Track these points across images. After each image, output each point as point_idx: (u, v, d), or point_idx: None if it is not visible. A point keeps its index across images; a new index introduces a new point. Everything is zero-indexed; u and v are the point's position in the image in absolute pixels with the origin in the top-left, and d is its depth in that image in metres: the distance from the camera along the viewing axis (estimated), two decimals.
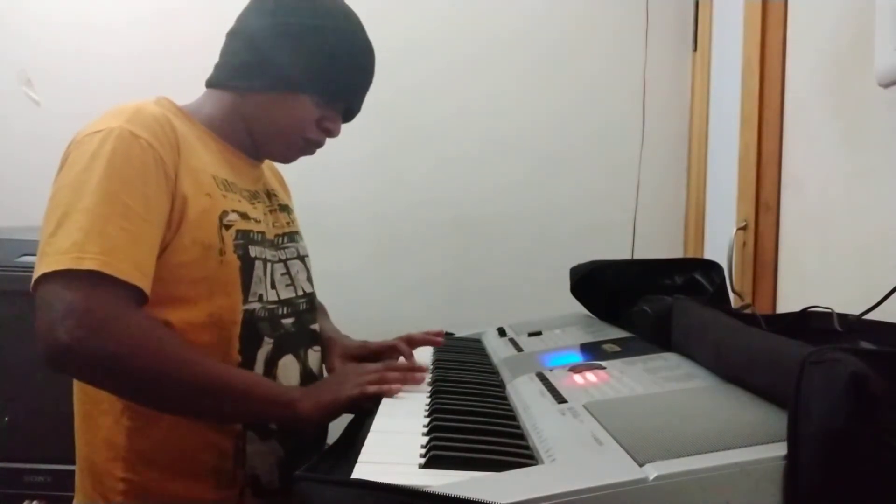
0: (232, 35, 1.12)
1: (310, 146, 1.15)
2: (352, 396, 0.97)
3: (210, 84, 1.13)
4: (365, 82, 1.16)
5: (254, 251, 1.04)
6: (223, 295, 0.99)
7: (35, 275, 0.88)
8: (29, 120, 2.08)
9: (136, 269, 0.89)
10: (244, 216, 1.05)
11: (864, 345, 0.84)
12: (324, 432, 1.17)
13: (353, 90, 1.14)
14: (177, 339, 0.93)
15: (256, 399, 0.96)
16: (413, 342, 1.26)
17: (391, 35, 2.08)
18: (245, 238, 1.03)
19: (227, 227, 1.01)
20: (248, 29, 1.10)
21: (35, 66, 2.10)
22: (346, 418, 0.97)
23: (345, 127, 1.20)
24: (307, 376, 1.12)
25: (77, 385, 1.02)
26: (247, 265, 1.02)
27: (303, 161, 1.20)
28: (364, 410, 0.94)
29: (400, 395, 0.98)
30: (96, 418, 0.99)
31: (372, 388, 0.98)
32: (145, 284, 0.91)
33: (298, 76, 1.07)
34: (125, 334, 0.87)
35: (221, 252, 0.99)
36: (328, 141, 1.18)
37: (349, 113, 1.17)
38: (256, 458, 1.02)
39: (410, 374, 1.03)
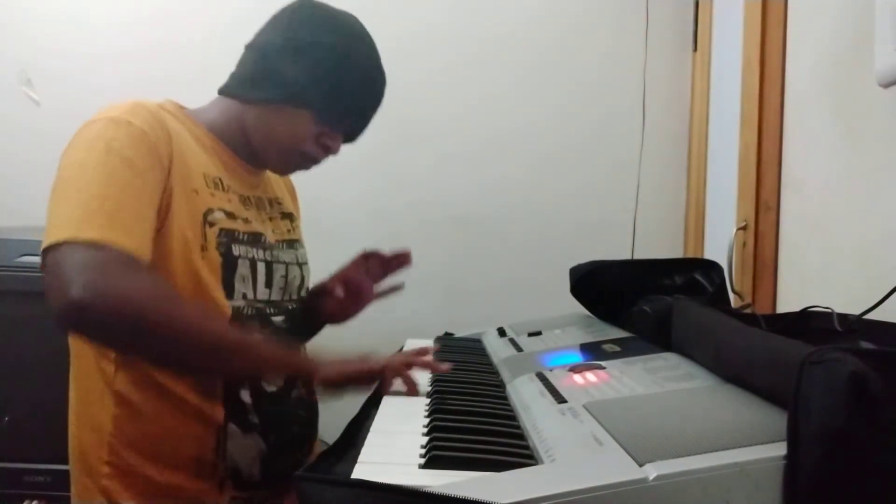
0: (249, 48, 1.13)
1: (306, 161, 1.15)
2: (370, 368, 1.04)
3: (221, 92, 1.14)
4: (372, 107, 1.15)
5: (237, 250, 1.05)
6: (205, 290, 1.01)
7: (42, 247, 0.90)
8: (29, 119, 2.08)
9: (136, 242, 0.91)
10: (230, 215, 1.06)
11: (864, 345, 0.84)
12: (313, 432, 1.18)
13: (357, 112, 1.14)
14: (187, 298, 0.96)
15: (270, 353, 1.01)
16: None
17: (391, 33, 2.07)
18: (229, 237, 1.04)
19: (211, 224, 1.02)
20: (261, 42, 1.11)
21: (35, 66, 2.10)
22: (346, 415, 0.97)
23: None
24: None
25: (73, 371, 1.04)
26: (229, 263, 1.03)
27: None
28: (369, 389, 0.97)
29: (400, 394, 0.98)
30: (86, 404, 1.01)
31: (391, 371, 1.05)
32: (144, 255, 0.93)
33: (302, 91, 1.07)
34: (139, 287, 0.89)
35: (203, 248, 1.01)
36: None
37: (352, 133, 1.17)
38: (237, 451, 1.03)
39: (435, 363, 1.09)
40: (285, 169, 1.18)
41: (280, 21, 1.11)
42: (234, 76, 1.13)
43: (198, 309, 0.96)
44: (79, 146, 0.96)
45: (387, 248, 1.69)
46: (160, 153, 0.97)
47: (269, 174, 1.23)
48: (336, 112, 1.11)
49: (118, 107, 0.99)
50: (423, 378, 1.07)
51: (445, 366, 1.09)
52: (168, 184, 0.98)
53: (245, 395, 1.03)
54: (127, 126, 0.96)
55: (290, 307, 1.15)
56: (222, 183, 1.07)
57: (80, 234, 0.88)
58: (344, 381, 1.03)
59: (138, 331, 0.90)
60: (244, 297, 1.06)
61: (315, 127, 1.10)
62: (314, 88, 1.07)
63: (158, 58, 2.05)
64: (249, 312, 1.06)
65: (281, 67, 1.07)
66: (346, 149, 1.15)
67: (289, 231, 1.21)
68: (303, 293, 1.20)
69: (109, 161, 0.93)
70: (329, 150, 1.14)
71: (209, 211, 1.02)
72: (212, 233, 1.02)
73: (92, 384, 1.00)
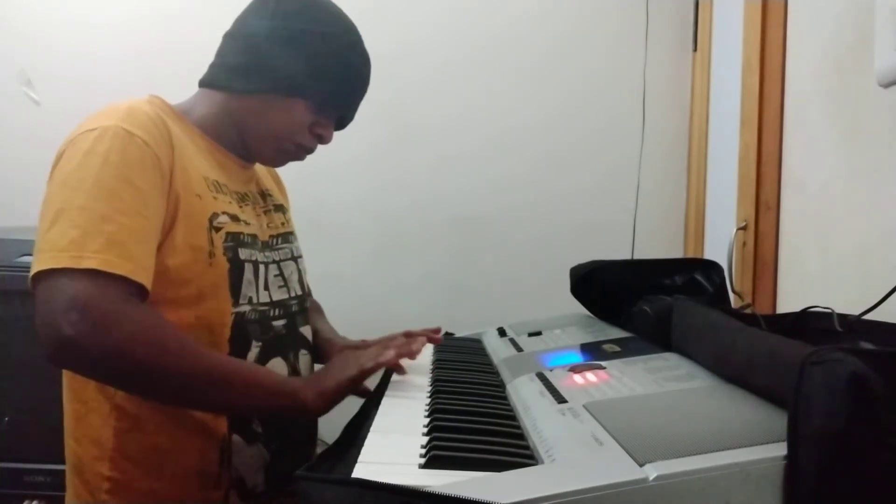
0: (229, 37, 1.11)
1: (300, 152, 1.14)
2: (351, 377, 0.99)
3: (204, 84, 1.12)
4: (361, 92, 1.16)
5: (243, 253, 1.04)
6: (212, 297, 0.99)
7: (32, 270, 0.87)
8: (28, 119, 2.08)
9: (136, 265, 0.89)
10: (234, 218, 1.04)
11: (864, 345, 0.84)
12: (313, 436, 1.17)
13: (348, 98, 1.14)
14: (178, 332, 0.92)
15: (260, 390, 0.96)
16: (411, 338, 1.28)
17: (391, 32, 2.08)
18: (235, 240, 1.03)
19: (217, 229, 1.00)
20: (246, 31, 1.09)
21: (35, 66, 2.10)
22: (346, 415, 0.97)
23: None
24: None
25: (67, 384, 1.01)
26: (236, 268, 1.02)
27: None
28: (366, 394, 0.95)
29: (399, 394, 0.98)
30: (85, 417, 0.99)
31: (370, 364, 1.01)
32: (146, 280, 0.90)
33: (296, 80, 1.06)
34: (127, 326, 0.85)
35: (211, 254, 0.99)
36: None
37: (342, 121, 1.17)
38: (242, 461, 1.02)
39: (407, 346, 1.05)
40: (278, 161, 1.17)
41: (264, 9, 1.09)
42: (218, 67, 1.11)
43: (191, 346, 0.92)
44: (71, 159, 0.92)
45: (386, 248, 1.70)
46: (161, 162, 0.94)
47: (257, 167, 1.21)
48: (331, 100, 1.11)
49: (112, 113, 0.95)
50: (423, 378, 1.07)
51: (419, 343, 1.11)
52: (173, 190, 0.96)
53: None
54: (125, 137, 0.92)
55: (292, 308, 1.14)
56: (221, 185, 1.06)
57: (78, 262, 0.85)
58: (336, 401, 1.00)
59: (130, 374, 0.88)
60: (250, 301, 1.04)
61: (309, 116, 1.10)
62: (309, 77, 1.07)
63: (158, 58, 2.05)
64: (253, 317, 1.05)
65: (273, 57, 1.06)
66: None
67: (283, 224, 1.21)
68: (299, 290, 1.19)
69: (108, 177, 0.90)
70: (322, 140, 1.14)
71: (214, 215, 1.00)
72: (218, 238, 1.00)
73: (91, 397, 0.98)
